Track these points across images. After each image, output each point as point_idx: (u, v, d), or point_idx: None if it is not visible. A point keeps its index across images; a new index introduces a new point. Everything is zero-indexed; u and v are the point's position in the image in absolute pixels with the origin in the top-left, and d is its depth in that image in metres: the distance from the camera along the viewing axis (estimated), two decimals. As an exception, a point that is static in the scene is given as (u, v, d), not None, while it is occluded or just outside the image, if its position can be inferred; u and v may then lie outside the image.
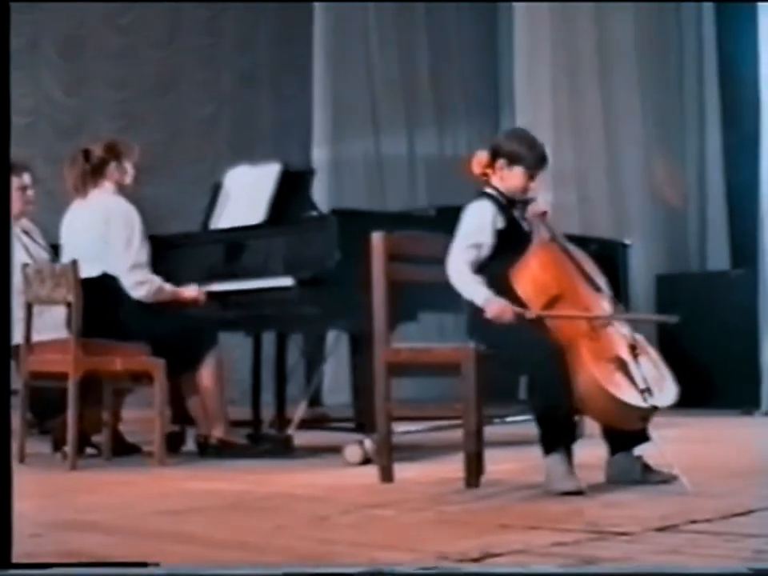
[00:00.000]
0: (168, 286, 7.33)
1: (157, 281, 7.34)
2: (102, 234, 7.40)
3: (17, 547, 3.98)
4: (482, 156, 5.80)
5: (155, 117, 13.59)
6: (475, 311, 5.55)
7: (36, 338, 7.23)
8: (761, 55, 11.21)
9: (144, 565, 1.91)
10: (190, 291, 7.31)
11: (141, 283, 7.29)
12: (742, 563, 3.41)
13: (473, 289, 5.45)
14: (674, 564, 1.72)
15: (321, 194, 10.15)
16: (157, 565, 1.92)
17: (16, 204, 7.87)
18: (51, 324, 7.20)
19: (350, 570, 1.85)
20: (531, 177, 5.76)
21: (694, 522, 4.23)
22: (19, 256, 7.54)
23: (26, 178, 7.95)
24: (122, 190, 7.61)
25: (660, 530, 4.06)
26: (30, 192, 7.96)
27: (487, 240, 5.56)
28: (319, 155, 12.74)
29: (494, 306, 5.32)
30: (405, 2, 14.39)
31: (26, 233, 7.92)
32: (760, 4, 11.16)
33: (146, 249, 7.44)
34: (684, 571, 1.75)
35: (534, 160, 5.78)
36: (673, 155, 13.31)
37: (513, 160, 5.74)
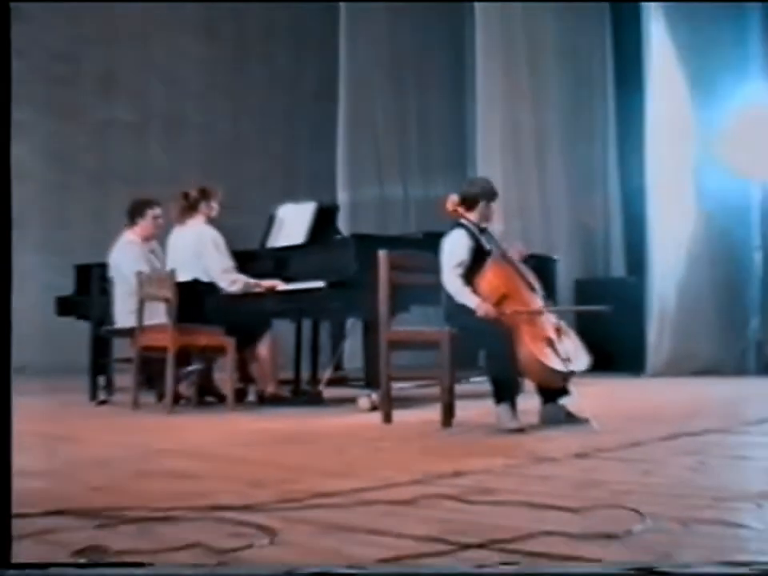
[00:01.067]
0: (252, 281, 7.38)
1: (243, 278, 7.40)
2: (195, 251, 7.47)
3: (135, 466, 4.02)
4: (453, 198, 5.81)
5: (230, 170, 13.61)
6: (449, 306, 5.61)
7: (146, 323, 7.28)
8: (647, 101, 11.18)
9: (144, 565, 1.85)
10: (268, 282, 7.35)
11: (233, 282, 7.38)
12: (638, 478, 3.45)
13: (467, 297, 5.47)
14: (674, 564, 1.72)
15: (343, 224, 10.14)
16: (156, 565, 1.85)
17: (149, 229, 7.99)
18: (156, 313, 7.23)
19: (354, 571, 1.83)
20: (488, 206, 5.80)
21: (600, 450, 4.25)
22: (142, 266, 7.61)
23: (158, 210, 7.99)
24: (209, 220, 7.68)
25: (578, 456, 4.07)
26: (160, 221, 8.00)
27: (466, 258, 5.58)
28: (342, 197, 12.77)
29: (481, 307, 5.38)
30: (400, 91, 14.48)
31: (152, 251, 7.96)
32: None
33: (230, 258, 7.51)
34: (684, 571, 1.72)
35: (489, 195, 5.82)
36: (587, 193, 13.32)
37: (475, 200, 5.77)
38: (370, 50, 13.88)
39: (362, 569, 1.84)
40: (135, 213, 8.01)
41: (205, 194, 7.72)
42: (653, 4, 10.95)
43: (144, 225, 7.97)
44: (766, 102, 11.02)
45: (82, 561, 2.26)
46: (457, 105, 14.59)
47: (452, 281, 5.57)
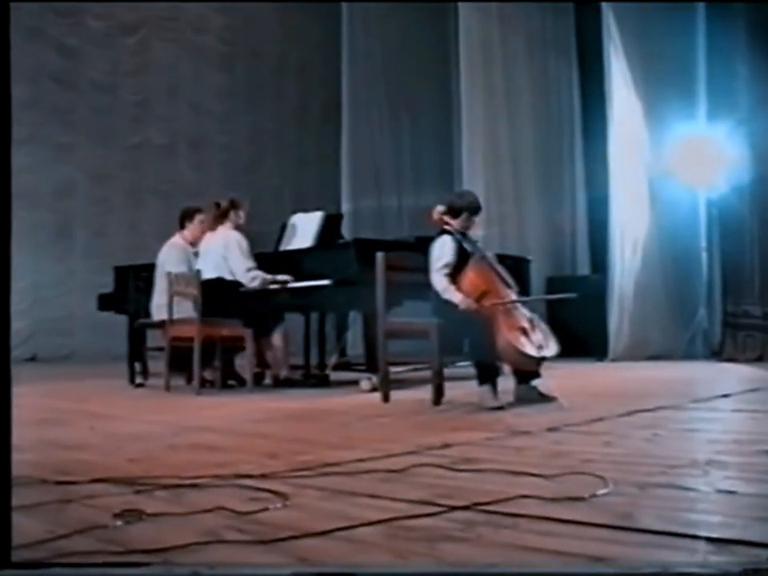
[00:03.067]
0: (269, 276, 7.36)
1: (262, 274, 7.37)
2: (222, 253, 7.46)
3: (167, 441, 4.01)
4: (438, 208, 5.81)
5: (248, 185, 13.62)
6: (437, 301, 5.60)
7: (175, 316, 7.28)
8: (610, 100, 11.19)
9: (143, 565, 1.84)
10: (282, 277, 7.35)
11: (254, 278, 7.36)
12: (600, 448, 3.45)
13: (452, 294, 5.46)
14: (675, 563, 1.73)
15: (346, 230, 10.15)
16: (157, 565, 1.84)
17: (197, 232, 8.01)
18: (185, 308, 7.22)
19: (355, 571, 1.83)
20: (471, 218, 5.80)
21: (568, 425, 4.24)
22: (183, 267, 7.64)
23: (203, 217, 8.01)
24: (237, 227, 7.67)
25: (549, 430, 4.06)
26: (205, 225, 7.99)
27: (452, 260, 5.58)
28: (346, 207, 12.76)
29: (464, 303, 5.38)
30: (395, 117, 14.50)
31: (195, 253, 7.96)
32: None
33: (252, 258, 7.51)
34: (686, 571, 1.71)
35: (474, 208, 5.82)
36: (557, 202, 13.34)
37: (459, 211, 5.77)
38: (368, 82, 13.93)
39: (362, 569, 1.83)
40: (185, 218, 8.08)
41: (234, 205, 7.73)
42: (613, 41, 10.99)
43: (192, 228, 8.02)
44: (708, 124, 11.06)
45: (120, 523, 2.26)
46: (444, 127, 14.62)
47: (439, 280, 5.56)
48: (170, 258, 7.87)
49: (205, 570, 1.83)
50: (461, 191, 6.51)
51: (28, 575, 1.82)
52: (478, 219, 5.96)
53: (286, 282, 7.35)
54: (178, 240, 8.04)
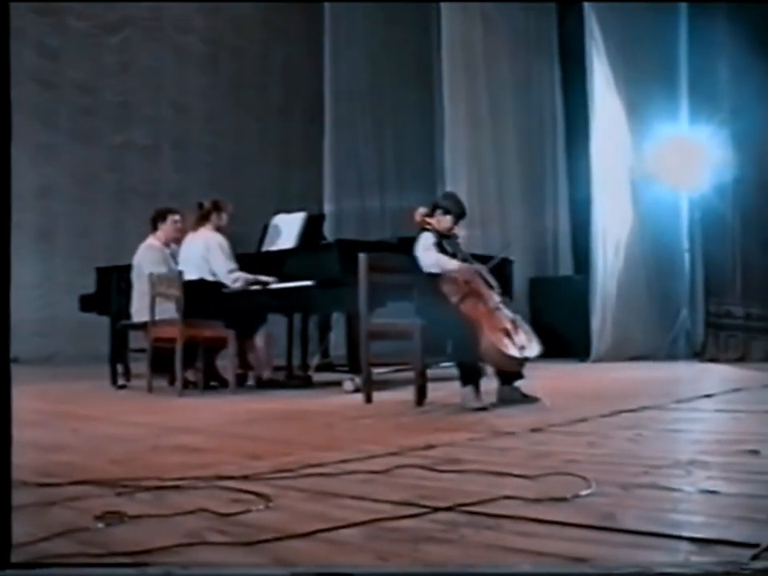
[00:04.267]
0: (251, 277, 7.39)
1: (244, 275, 7.41)
2: (203, 254, 7.48)
3: (149, 442, 4.00)
4: (420, 210, 5.82)
5: (231, 185, 13.60)
6: (420, 302, 5.61)
7: (157, 317, 7.26)
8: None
9: (142, 565, 1.83)
10: (265, 278, 7.35)
11: (236, 279, 7.39)
12: (584, 449, 3.45)
13: (447, 261, 5.52)
14: (658, 563, 1.73)
15: (329, 231, 10.14)
16: (155, 565, 1.83)
17: (170, 232, 8.04)
18: (167, 309, 7.20)
19: (354, 571, 1.82)
20: (456, 222, 5.81)
21: (551, 425, 4.25)
22: (161, 268, 7.61)
23: (177, 216, 8.02)
24: (219, 229, 7.67)
25: (532, 430, 4.07)
26: (179, 225, 8.00)
27: (436, 243, 5.63)
28: (328, 208, 12.75)
29: (462, 269, 5.48)
30: (378, 118, 14.49)
31: (172, 254, 7.95)
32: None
33: (234, 259, 7.52)
34: (669, 571, 1.71)
35: (459, 213, 5.83)
36: (540, 203, 13.37)
37: (446, 211, 5.78)
38: (351, 83, 13.95)
39: (361, 569, 1.82)
40: (158, 219, 8.07)
41: (217, 207, 7.74)
42: (596, 42, 11.02)
43: (165, 229, 8.01)
44: (690, 126, 11.11)
45: (101, 525, 2.25)
46: (427, 128, 14.66)
47: (431, 255, 5.57)
48: (145, 259, 7.83)
49: (207, 569, 1.82)
50: (449, 193, 6.50)
51: (28, 575, 1.82)
52: (458, 227, 5.96)
53: (267, 283, 7.35)
54: (153, 242, 8.01)
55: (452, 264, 5.54)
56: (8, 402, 1.88)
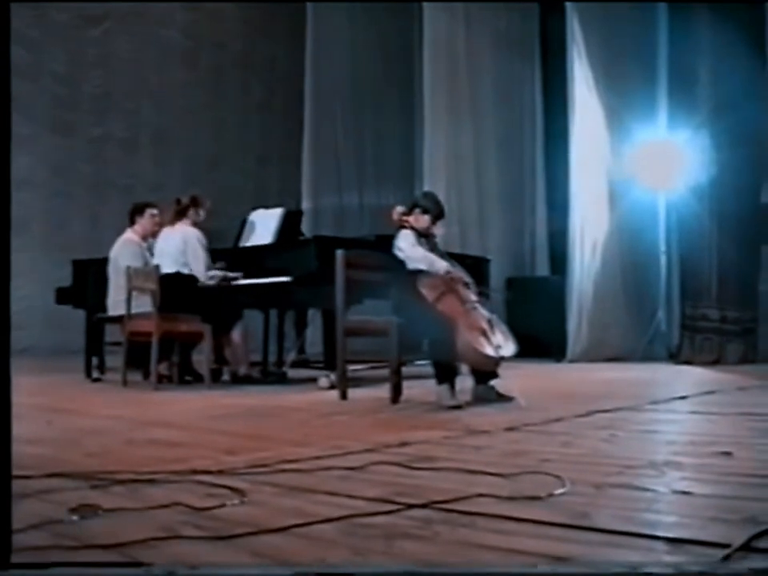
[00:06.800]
0: (222, 273, 7.46)
1: (218, 273, 7.47)
2: (179, 249, 7.51)
3: (124, 436, 3.99)
4: (398, 208, 5.83)
5: (209, 180, 13.62)
6: (397, 300, 5.61)
7: (134, 311, 7.24)
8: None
9: (142, 565, 1.81)
10: (234, 274, 7.39)
11: (210, 277, 7.45)
12: (558, 448, 3.46)
13: (436, 260, 5.55)
14: (631, 562, 1.72)
15: (306, 228, 10.13)
16: (155, 565, 1.81)
17: (147, 226, 8.08)
18: (143, 303, 7.19)
19: (354, 570, 1.81)
20: (434, 222, 5.82)
21: (527, 424, 4.26)
22: (138, 262, 7.61)
23: (155, 210, 8.03)
24: (196, 224, 7.69)
25: (507, 429, 4.09)
26: (156, 219, 8.00)
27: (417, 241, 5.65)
28: (306, 204, 12.70)
29: (453, 273, 5.51)
30: (358, 115, 14.48)
31: (149, 248, 7.94)
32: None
33: (208, 256, 7.56)
34: (642, 570, 1.71)
35: (437, 213, 5.84)
36: (518, 203, 13.40)
37: (425, 211, 5.79)
38: (331, 79, 13.88)
39: (362, 569, 1.82)
40: (135, 213, 8.08)
41: (195, 202, 7.77)
42: (577, 44, 11.06)
43: (143, 223, 8.02)
44: (669, 128, 11.17)
45: (75, 517, 2.24)
46: (407, 126, 14.64)
47: (417, 251, 5.59)
48: (122, 253, 7.82)
49: (207, 569, 1.81)
50: (427, 193, 6.51)
51: (28, 575, 1.80)
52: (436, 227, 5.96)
53: (235, 278, 7.40)
54: (130, 236, 8.01)
55: (440, 264, 5.54)
56: (8, 403, 1.86)
